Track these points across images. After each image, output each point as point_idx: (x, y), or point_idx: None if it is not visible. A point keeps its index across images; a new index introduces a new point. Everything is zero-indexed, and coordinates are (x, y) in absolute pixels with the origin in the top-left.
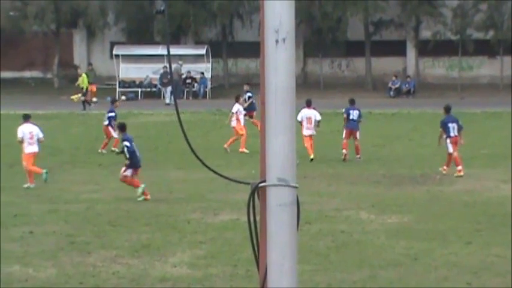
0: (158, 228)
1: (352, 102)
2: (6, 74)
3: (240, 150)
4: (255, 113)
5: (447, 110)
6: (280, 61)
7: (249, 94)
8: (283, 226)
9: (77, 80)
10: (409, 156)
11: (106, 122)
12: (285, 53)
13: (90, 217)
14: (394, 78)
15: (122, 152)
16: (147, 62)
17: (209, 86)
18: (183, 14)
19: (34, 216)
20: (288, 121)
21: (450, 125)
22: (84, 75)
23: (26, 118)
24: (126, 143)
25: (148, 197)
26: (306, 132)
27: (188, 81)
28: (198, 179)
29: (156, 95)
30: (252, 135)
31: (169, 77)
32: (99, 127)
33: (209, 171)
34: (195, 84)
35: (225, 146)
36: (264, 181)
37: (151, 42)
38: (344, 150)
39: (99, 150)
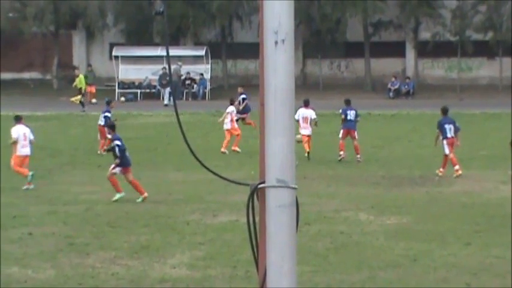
0: (157, 229)
1: (348, 102)
2: (6, 75)
3: (233, 148)
4: (248, 115)
5: (444, 111)
6: (279, 62)
7: (243, 96)
8: (282, 227)
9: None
10: (408, 157)
11: (102, 122)
12: (284, 54)
13: (89, 218)
14: (393, 79)
15: (110, 150)
16: (147, 63)
17: (208, 87)
18: (182, 15)
19: (33, 217)
20: (287, 122)
21: (447, 126)
22: (81, 76)
23: (18, 119)
24: (118, 142)
25: (146, 194)
26: (303, 131)
27: (187, 82)
28: (197, 180)
29: (156, 96)
30: (251, 136)
31: (168, 78)
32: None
33: (208, 173)
34: (195, 85)
35: (222, 150)
36: (263, 182)
37: (150, 43)
38: (341, 152)
39: (99, 152)
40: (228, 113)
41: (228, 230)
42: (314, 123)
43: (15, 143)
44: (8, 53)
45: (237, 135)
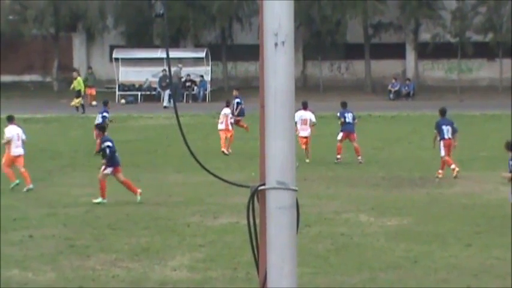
0: (158, 231)
1: (344, 105)
2: (6, 78)
3: (222, 149)
4: (242, 118)
5: (442, 112)
6: (279, 64)
7: (237, 100)
8: (282, 229)
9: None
10: (409, 158)
11: (100, 122)
12: (284, 56)
13: (89, 220)
14: (393, 80)
15: (100, 152)
16: (147, 65)
17: (209, 89)
18: (183, 17)
19: (33, 219)
20: (288, 124)
21: (444, 127)
22: (79, 78)
23: (11, 120)
24: (109, 143)
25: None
26: (301, 133)
27: (188, 84)
28: (197, 182)
29: (156, 98)
30: (251, 138)
31: (167, 80)
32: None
33: (208, 175)
34: (195, 87)
35: (222, 149)
36: (264, 184)
37: (150, 45)
38: (339, 156)
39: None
40: (225, 115)
41: (228, 232)
42: (312, 125)
43: (8, 143)
44: (8, 56)
45: (230, 136)
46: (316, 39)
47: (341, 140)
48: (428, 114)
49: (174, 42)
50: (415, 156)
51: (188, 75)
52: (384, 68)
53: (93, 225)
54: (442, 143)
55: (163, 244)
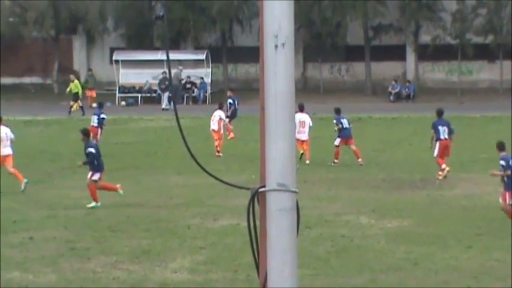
0: (158, 233)
1: (338, 111)
2: (6, 80)
3: (217, 154)
4: (231, 121)
5: (439, 113)
6: (279, 66)
7: (229, 101)
8: (283, 231)
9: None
10: (409, 160)
11: (96, 124)
12: (285, 58)
13: (90, 223)
14: (393, 82)
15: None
16: (147, 67)
17: (209, 91)
18: (183, 19)
19: (34, 222)
20: (288, 126)
21: (441, 128)
22: (76, 81)
23: None
24: (92, 150)
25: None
26: (298, 136)
27: (188, 86)
28: (197, 184)
29: (156, 101)
30: (251, 140)
31: (167, 82)
32: (101, 131)
33: (209, 177)
34: (195, 89)
35: (220, 149)
36: (264, 186)
37: (151, 47)
38: (336, 160)
39: None
40: (220, 118)
41: (229, 234)
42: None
43: None
44: (9, 58)
45: (218, 139)
46: (316, 41)
47: (338, 145)
48: (429, 116)
49: (175, 44)
50: (416, 158)
51: (188, 77)
52: (384, 70)
53: (94, 228)
54: (437, 143)
55: (164, 246)
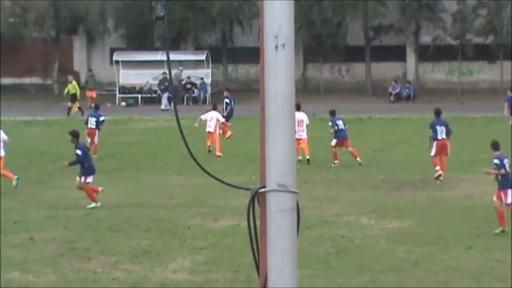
0: (158, 234)
1: (333, 113)
2: (6, 81)
3: (217, 153)
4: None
5: (437, 113)
6: (279, 66)
7: (226, 101)
8: (283, 231)
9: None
10: (409, 161)
11: (93, 125)
12: (285, 58)
13: (90, 223)
14: (394, 83)
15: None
16: (147, 67)
17: (209, 91)
18: (183, 20)
19: (34, 222)
20: (288, 126)
21: (438, 128)
22: (74, 82)
23: None
24: (78, 152)
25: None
26: (302, 136)
27: (188, 86)
28: (198, 185)
29: (156, 101)
30: (252, 140)
31: (166, 83)
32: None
33: (209, 177)
34: (195, 90)
35: (218, 153)
36: (264, 186)
37: (151, 48)
38: (336, 161)
39: (95, 156)
40: (217, 120)
41: (229, 234)
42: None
43: None
44: (9, 58)
45: (213, 140)
46: (316, 41)
47: (335, 146)
48: (429, 116)
49: (175, 45)
50: (416, 158)
51: (189, 77)
52: (385, 70)
53: (94, 228)
54: (434, 143)
55: (164, 246)
